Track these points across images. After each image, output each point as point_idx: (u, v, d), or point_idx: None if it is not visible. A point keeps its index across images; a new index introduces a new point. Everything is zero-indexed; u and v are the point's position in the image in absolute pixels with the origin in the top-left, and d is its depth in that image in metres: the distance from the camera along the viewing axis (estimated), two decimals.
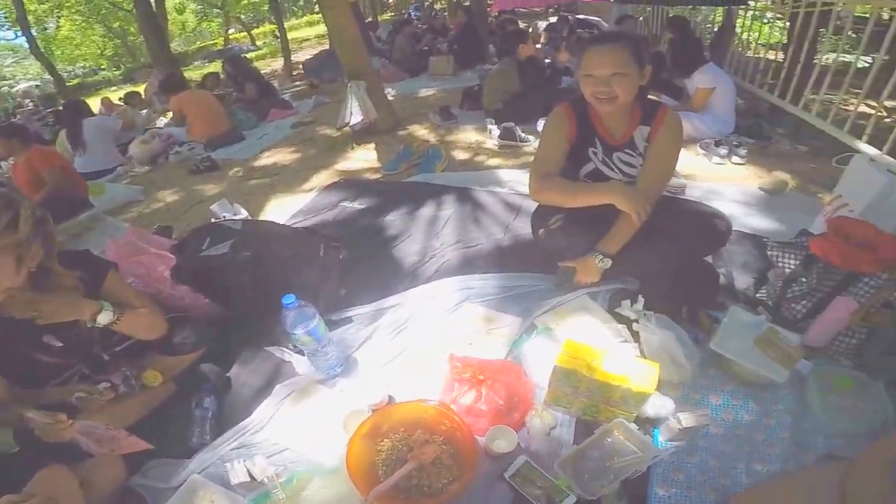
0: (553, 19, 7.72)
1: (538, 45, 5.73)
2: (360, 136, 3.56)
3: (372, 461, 1.23)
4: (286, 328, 1.38)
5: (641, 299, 1.56)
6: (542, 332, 1.59)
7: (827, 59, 3.22)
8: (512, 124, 3.22)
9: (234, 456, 1.30)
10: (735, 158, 2.72)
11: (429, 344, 1.62)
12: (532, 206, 1.92)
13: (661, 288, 1.66)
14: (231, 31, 22.63)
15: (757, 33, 4.38)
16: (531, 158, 2.79)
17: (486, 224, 2.28)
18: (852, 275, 1.49)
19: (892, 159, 2.20)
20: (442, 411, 1.30)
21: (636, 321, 1.51)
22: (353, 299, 1.84)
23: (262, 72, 6.44)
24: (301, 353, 1.56)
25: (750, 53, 4.01)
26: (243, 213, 2.53)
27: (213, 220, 2.39)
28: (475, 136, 3.47)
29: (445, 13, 11.02)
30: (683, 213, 1.72)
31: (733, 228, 1.74)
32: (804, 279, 1.58)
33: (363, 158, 3.30)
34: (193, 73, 11.55)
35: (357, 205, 2.58)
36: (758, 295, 1.70)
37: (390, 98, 4.38)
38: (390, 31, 7.61)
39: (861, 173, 1.82)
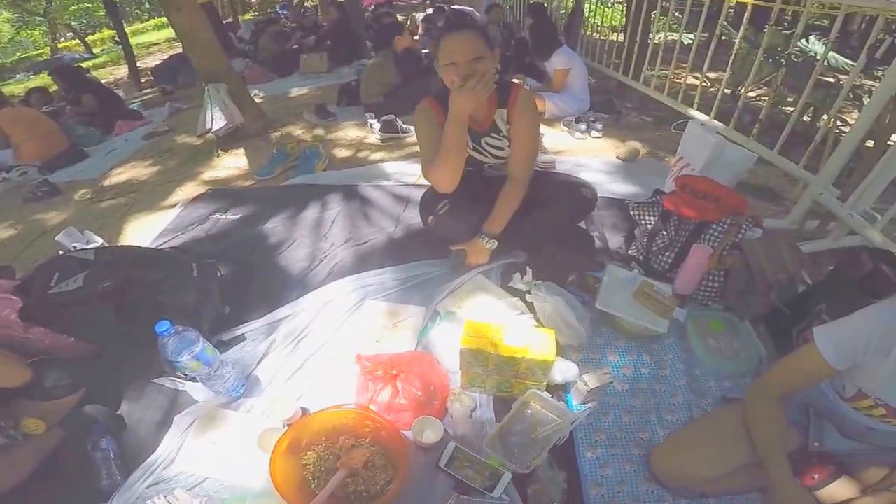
0: (430, 10, 7.78)
1: (416, 37, 5.73)
2: (227, 141, 3.26)
3: (301, 476, 1.17)
4: (168, 357, 1.25)
5: (529, 270, 1.61)
6: (446, 317, 1.59)
7: (659, 38, 3.64)
8: (392, 116, 3.18)
9: (153, 493, 1.18)
10: (594, 133, 3.02)
11: (333, 348, 1.55)
12: (420, 195, 1.91)
13: (546, 257, 1.76)
14: (61, 39, 19.50)
15: (601, 17, 4.83)
16: (415, 149, 2.85)
17: (375, 219, 2.22)
18: (703, 224, 1.68)
19: (718, 123, 2.55)
20: (362, 413, 1.25)
21: (528, 292, 1.57)
22: (241, 316, 1.69)
23: (103, 81, 5.63)
24: (194, 379, 1.41)
25: (598, 36, 4.39)
26: (97, 241, 2.17)
27: (60, 252, 2.01)
28: (356, 132, 3.37)
29: (318, 10, 10.59)
30: (555, 185, 1.82)
31: (600, 195, 1.89)
32: (664, 232, 1.75)
33: (233, 165, 3.03)
34: (15, 88, 9.88)
35: (231, 216, 2.36)
36: (629, 252, 1.87)
37: (258, 100, 4.08)
38: (253, 30, 7.11)
39: (696, 136, 2.07)
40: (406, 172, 2.60)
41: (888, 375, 0.96)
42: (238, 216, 2.34)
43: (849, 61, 3.23)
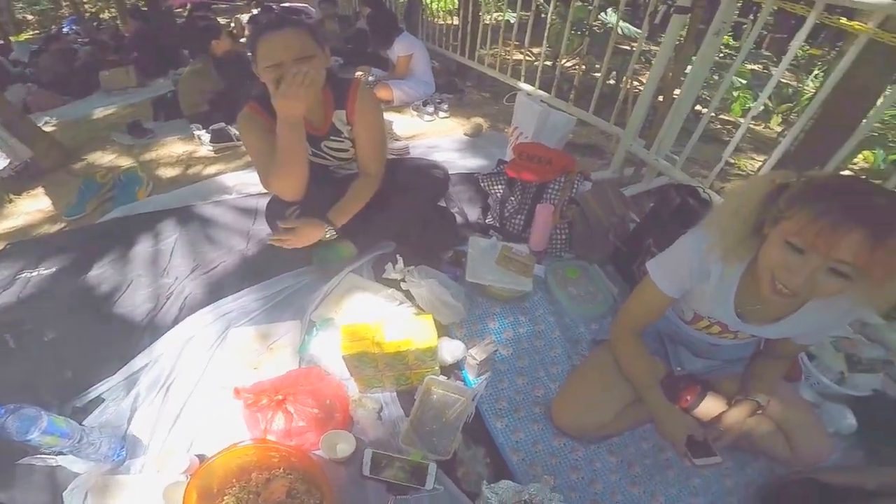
0: (257, 11, 7.20)
1: (243, 39, 5.25)
2: (17, 183, 2.67)
3: None
4: (16, 439, 1.07)
5: (400, 258, 1.60)
6: (323, 325, 1.50)
7: (488, 19, 3.85)
8: (223, 125, 2.89)
9: None
10: (441, 114, 3.12)
11: (208, 387, 1.40)
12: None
13: (413, 242, 1.76)
14: None
15: (439, 2, 4.95)
16: None
17: (221, 239, 2.00)
18: (542, 185, 1.82)
19: (542, 92, 2.79)
20: (263, 446, 1.14)
21: (403, 280, 1.56)
22: (89, 377, 1.44)
23: None
24: (62, 453, 1.21)
25: (437, 21, 4.50)
26: None
27: None
28: (182, 147, 2.99)
29: (118, 21, 9.14)
30: (409, 171, 1.82)
31: (453, 172, 1.93)
32: (512, 198, 1.86)
33: (32, 210, 2.49)
34: None
35: (44, 270, 1.93)
36: (487, 221, 1.95)
37: (50, 128, 3.42)
38: (33, 51, 5.90)
39: (524, 107, 2.23)
40: (248, 182, 2.38)
41: (712, 296, 1.10)
42: (53, 269, 1.92)
43: (638, 30, 3.77)
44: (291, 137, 1.36)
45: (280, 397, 1.22)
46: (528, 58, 3.13)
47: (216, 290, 1.72)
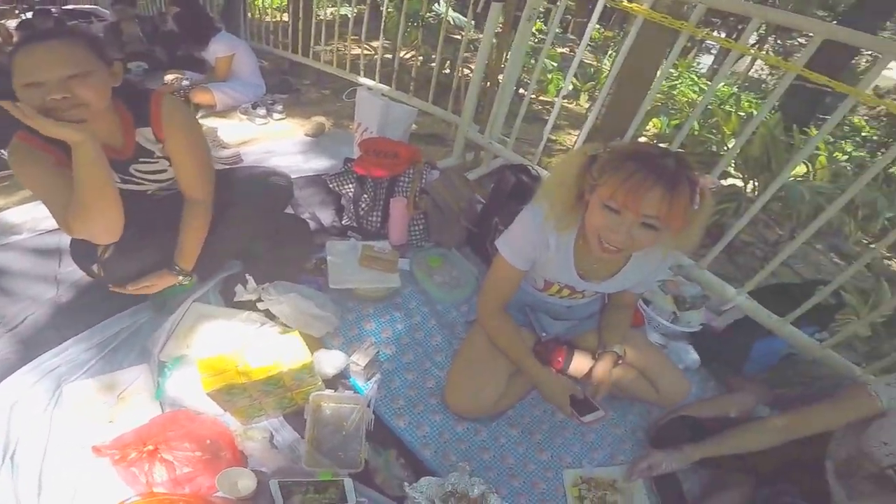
0: (27, 15, 5.85)
1: (10, 48, 4.23)
2: None
3: None
4: None
5: (250, 278, 1.48)
6: (175, 364, 1.33)
7: (322, 14, 3.68)
8: None
9: None
10: (275, 115, 2.94)
11: (62, 451, 1.18)
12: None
13: (263, 257, 1.63)
14: None
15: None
16: None
17: (21, 289, 1.63)
18: (393, 178, 1.84)
19: (383, 86, 2.80)
20: (157, 499, 1.01)
21: (259, 300, 1.45)
22: None
23: None
24: None
25: (266, 18, 4.19)
26: None
27: None
28: None
29: None
30: (243, 180, 1.65)
31: (299, 175, 1.84)
32: (365, 196, 1.85)
33: None
34: None
35: None
36: (343, 223, 1.92)
37: None
38: None
39: (366, 101, 2.22)
40: (41, 217, 1.94)
41: (555, 262, 1.23)
42: None
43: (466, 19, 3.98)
44: (91, 170, 1.09)
45: (151, 447, 1.08)
46: (366, 52, 3.11)
47: (31, 347, 1.41)
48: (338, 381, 1.36)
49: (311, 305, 1.42)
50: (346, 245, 1.72)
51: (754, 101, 6.32)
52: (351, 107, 2.38)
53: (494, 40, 2.23)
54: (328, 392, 1.26)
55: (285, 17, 4.21)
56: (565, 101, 5.05)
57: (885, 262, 3.64)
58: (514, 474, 1.30)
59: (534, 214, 1.18)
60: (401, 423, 1.32)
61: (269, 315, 1.47)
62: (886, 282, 2.29)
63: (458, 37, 4.13)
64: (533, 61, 4.95)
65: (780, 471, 1.26)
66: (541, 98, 4.90)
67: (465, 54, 2.48)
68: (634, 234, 0.99)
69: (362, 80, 2.96)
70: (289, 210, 1.89)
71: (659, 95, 5.53)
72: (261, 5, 4.42)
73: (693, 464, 1.26)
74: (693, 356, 1.71)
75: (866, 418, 1.18)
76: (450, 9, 2.59)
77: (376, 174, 1.83)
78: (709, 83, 7.19)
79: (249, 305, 1.50)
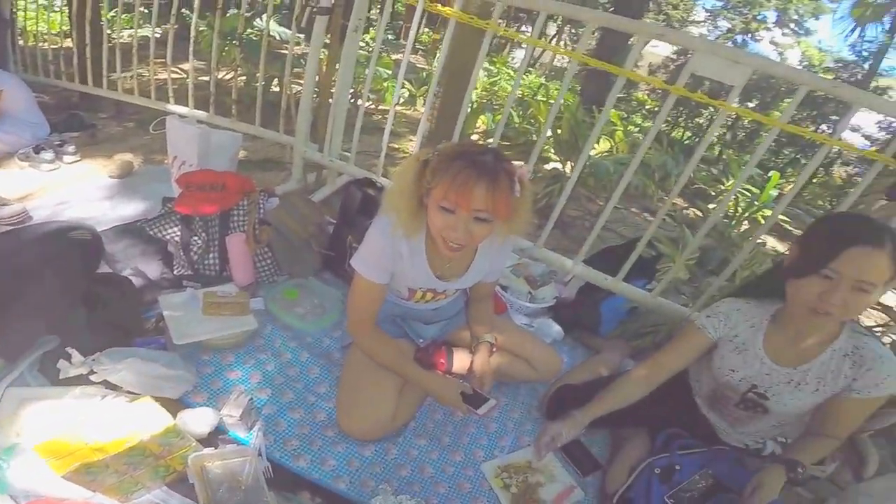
0: None
1: None
2: None
3: None
4: None
5: (73, 350, 1.23)
6: (9, 454, 1.08)
7: (116, 37, 3.16)
8: None
9: None
10: (67, 158, 2.44)
11: None
12: None
13: (81, 325, 1.36)
14: None
15: (46, 23, 3.79)
16: None
17: None
18: (225, 214, 1.67)
19: (199, 112, 2.53)
20: None
21: (92, 372, 1.22)
22: None
23: None
24: None
25: (46, 45, 3.46)
26: None
27: None
28: None
29: None
30: (38, 242, 1.39)
31: (110, 225, 1.57)
32: (195, 238, 1.65)
33: None
34: None
35: None
36: (175, 272, 1.68)
37: None
38: None
39: (179, 131, 1.97)
40: None
41: (412, 269, 1.24)
42: None
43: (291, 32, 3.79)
44: None
45: None
46: (176, 75, 2.76)
47: None
48: (216, 437, 1.23)
49: (157, 367, 1.25)
50: (183, 296, 1.52)
51: (560, 89, 7.22)
52: (162, 139, 2.10)
53: (323, 54, 2.15)
54: (208, 451, 1.13)
55: (69, 43, 3.56)
56: (403, 107, 5.16)
57: (685, 211, 4.45)
58: (438, 482, 1.29)
59: (382, 226, 1.18)
60: (302, 463, 1.23)
61: (112, 385, 1.25)
62: (689, 228, 2.79)
63: (285, 52, 3.93)
64: (368, 71, 4.97)
65: (667, 417, 1.38)
66: (380, 107, 4.94)
67: (297, 70, 2.36)
68: (471, 229, 1.05)
69: (173, 107, 2.63)
70: (104, 268, 1.60)
71: (484, 93, 5.99)
72: (35, 30, 3.67)
73: (593, 428, 1.34)
74: (556, 328, 1.87)
75: (706, 352, 1.31)
76: (273, 23, 2.43)
77: (204, 211, 1.64)
78: (524, 76, 8.03)
79: (82, 379, 1.25)
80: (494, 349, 1.41)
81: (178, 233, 1.65)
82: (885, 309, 2.87)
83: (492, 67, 7.45)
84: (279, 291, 1.68)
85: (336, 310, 1.66)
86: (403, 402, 1.34)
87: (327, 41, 2.18)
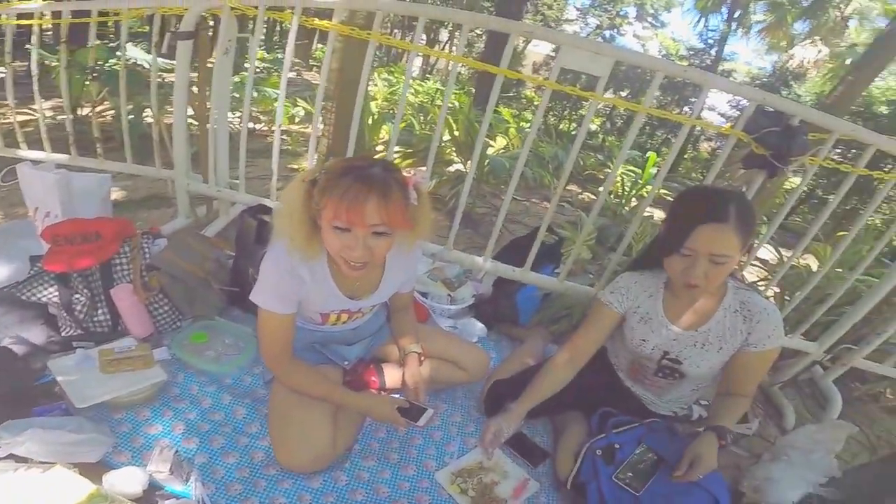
0: None
1: None
2: None
3: None
4: None
5: None
6: None
7: None
8: None
9: None
10: None
11: None
12: None
13: None
14: None
15: None
16: None
17: None
18: (105, 265, 1.51)
19: (59, 155, 2.25)
20: None
21: None
22: None
23: None
24: None
25: None
26: None
27: None
28: None
29: None
30: None
31: None
32: (77, 295, 1.48)
33: None
34: None
35: None
36: (64, 334, 1.49)
37: None
38: None
39: (34, 179, 1.75)
40: None
41: (319, 293, 1.20)
42: None
43: (164, 60, 3.49)
44: None
45: None
46: (24, 118, 2.43)
47: None
48: (153, 495, 1.13)
49: (64, 433, 1.15)
50: (74, 358, 1.37)
51: (457, 92, 7.40)
52: (18, 190, 1.85)
53: (195, 83, 2.00)
54: None
55: None
56: (301, 125, 5.00)
57: (580, 196, 4.79)
58: (395, 500, 1.26)
59: (276, 254, 1.13)
60: None
61: (21, 459, 1.12)
62: (585, 211, 3.00)
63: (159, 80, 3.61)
64: (255, 94, 4.75)
65: (597, 397, 1.43)
66: (272, 128, 4.74)
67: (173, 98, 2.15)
68: (370, 245, 1.02)
69: (25, 153, 2.32)
70: None
71: (385, 103, 6.00)
72: None
73: (532, 418, 1.37)
74: (479, 326, 1.92)
75: (617, 326, 1.37)
76: (141, 51, 2.22)
77: (80, 266, 1.47)
78: (422, 83, 8.14)
79: None
80: (423, 358, 1.41)
81: (56, 293, 1.46)
82: (763, 263, 3.32)
83: (391, 77, 7.46)
84: (185, 337, 1.56)
85: (251, 346, 1.57)
86: (341, 427, 1.30)
87: (210, 64, 2.03)
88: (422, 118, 4.44)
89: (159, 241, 1.64)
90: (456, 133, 3.37)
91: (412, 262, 1.37)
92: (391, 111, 6.12)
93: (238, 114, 3.54)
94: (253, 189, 2.09)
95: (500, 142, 4.24)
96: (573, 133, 10.38)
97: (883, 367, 2.06)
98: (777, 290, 2.76)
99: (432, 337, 1.52)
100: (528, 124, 6.34)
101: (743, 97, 1.69)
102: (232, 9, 1.76)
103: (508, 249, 2.12)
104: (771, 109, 1.58)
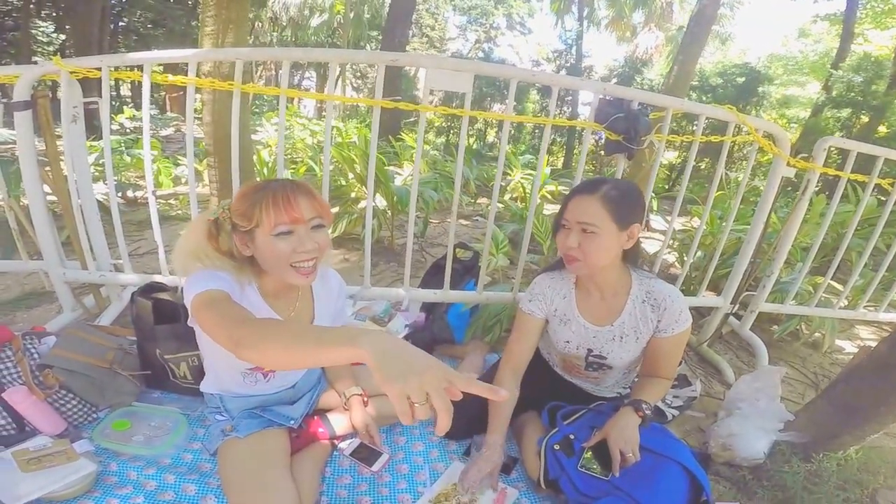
0: None
1: None
2: None
3: None
4: None
5: None
6: None
7: None
8: None
9: None
10: None
11: None
12: None
13: None
14: None
15: None
16: None
17: None
18: None
19: None
20: None
21: None
22: None
23: None
24: None
25: None
26: None
27: None
28: None
29: None
30: None
31: None
32: None
33: None
34: None
35: None
36: None
37: None
38: None
39: None
40: None
41: None
42: None
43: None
44: None
45: None
46: None
47: None
48: None
49: None
50: None
51: (359, 126, 7.39)
52: None
53: (44, 158, 1.78)
54: None
55: None
56: (187, 186, 4.69)
57: (488, 207, 4.96)
58: None
59: (202, 275, 1.03)
60: None
61: None
62: (496, 222, 3.10)
63: (8, 158, 3.22)
64: (126, 157, 4.42)
65: (545, 395, 1.45)
66: (160, 193, 4.42)
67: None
68: (315, 238, 1.06)
69: None
70: None
71: (287, 147, 5.86)
72: None
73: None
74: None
75: (544, 329, 1.40)
76: None
77: None
78: (319, 122, 8.01)
79: None
80: (365, 399, 1.38)
81: None
82: (662, 234, 3.62)
83: (286, 121, 7.26)
84: (107, 426, 1.40)
85: (181, 423, 1.45)
86: (302, 480, 1.22)
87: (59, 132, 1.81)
88: (321, 160, 4.38)
89: (47, 339, 1.46)
90: (358, 170, 3.36)
91: (340, 298, 1.36)
92: (289, 155, 5.98)
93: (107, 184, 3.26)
94: (146, 265, 1.91)
95: (409, 167, 4.30)
96: (475, 148, 10.83)
97: (785, 307, 2.27)
98: (676, 254, 3.05)
99: (368, 374, 1.49)
100: (431, 146, 6.45)
101: (588, 91, 1.87)
102: (71, 73, 1.62)
103: (431, 273, 2.16)
104: (611, 98, 1.76)
